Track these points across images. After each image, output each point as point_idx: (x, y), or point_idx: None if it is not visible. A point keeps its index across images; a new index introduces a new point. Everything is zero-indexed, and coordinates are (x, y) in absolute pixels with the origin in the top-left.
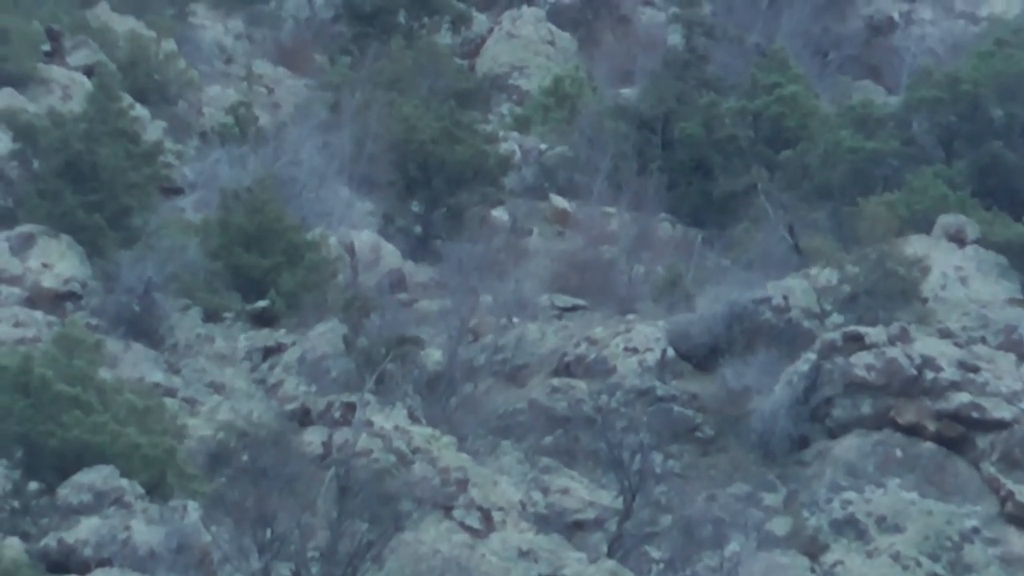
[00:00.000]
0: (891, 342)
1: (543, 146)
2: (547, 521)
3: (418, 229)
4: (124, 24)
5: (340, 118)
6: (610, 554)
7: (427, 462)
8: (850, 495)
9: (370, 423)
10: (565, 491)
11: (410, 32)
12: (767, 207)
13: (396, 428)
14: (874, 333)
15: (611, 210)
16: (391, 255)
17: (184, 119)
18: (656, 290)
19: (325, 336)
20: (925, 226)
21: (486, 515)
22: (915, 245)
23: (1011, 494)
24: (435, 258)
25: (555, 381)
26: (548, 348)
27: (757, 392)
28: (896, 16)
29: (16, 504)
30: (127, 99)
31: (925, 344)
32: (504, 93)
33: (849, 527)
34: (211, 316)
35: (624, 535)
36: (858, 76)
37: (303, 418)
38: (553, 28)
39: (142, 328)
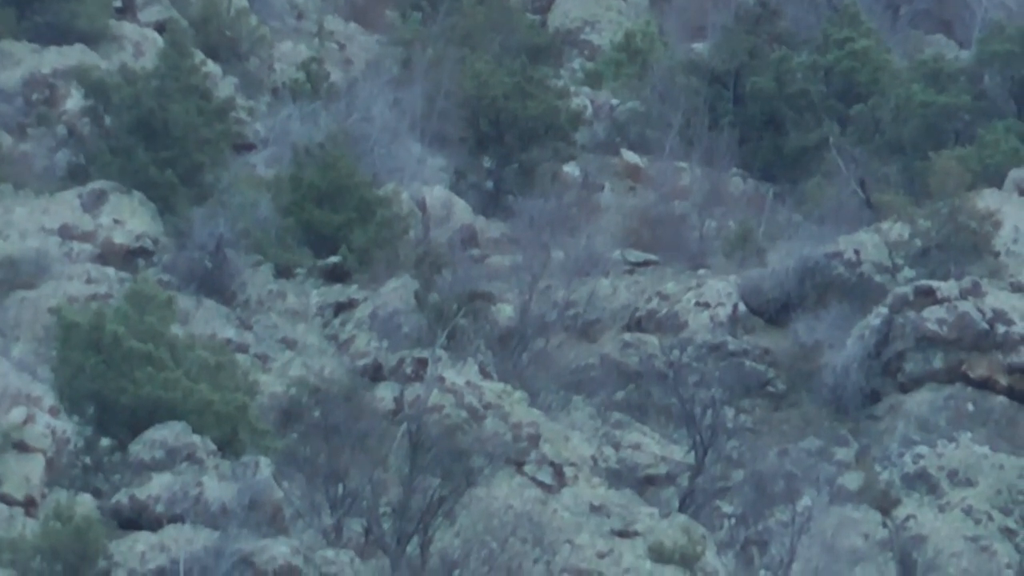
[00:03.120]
0: (963, 296)
1: (615, 101)
2: (619, 476)
3: (490, 185)
4: None
5: (412, 74)
6: (682, 509)
7: (499, 417)
8: (922, 449)
9: (442, 379)
10: (637, 446)
11: None
12: (839, 162)
13: (468, 384)
14: (946, 287)
15: (683, 165)
16: (463, 211)
17: (256, 75)
18: (728, 245)
19: (397, 292)
20: (997, 180)
21: (558, 470)
22: (987, 199)
23: None
24: (507, 214)
25: (627, 336)
26: (620, 303)
27: (829, 346)
28: None
29: (88, 460)
30: (199, 55)
31: (997, 298)
32: (575, 48)
33: (921, 481)
34: (283, 272)
35: (696, 490)
36: (930, 30)
37: (375, 374)
38: None
39: (214, 284)
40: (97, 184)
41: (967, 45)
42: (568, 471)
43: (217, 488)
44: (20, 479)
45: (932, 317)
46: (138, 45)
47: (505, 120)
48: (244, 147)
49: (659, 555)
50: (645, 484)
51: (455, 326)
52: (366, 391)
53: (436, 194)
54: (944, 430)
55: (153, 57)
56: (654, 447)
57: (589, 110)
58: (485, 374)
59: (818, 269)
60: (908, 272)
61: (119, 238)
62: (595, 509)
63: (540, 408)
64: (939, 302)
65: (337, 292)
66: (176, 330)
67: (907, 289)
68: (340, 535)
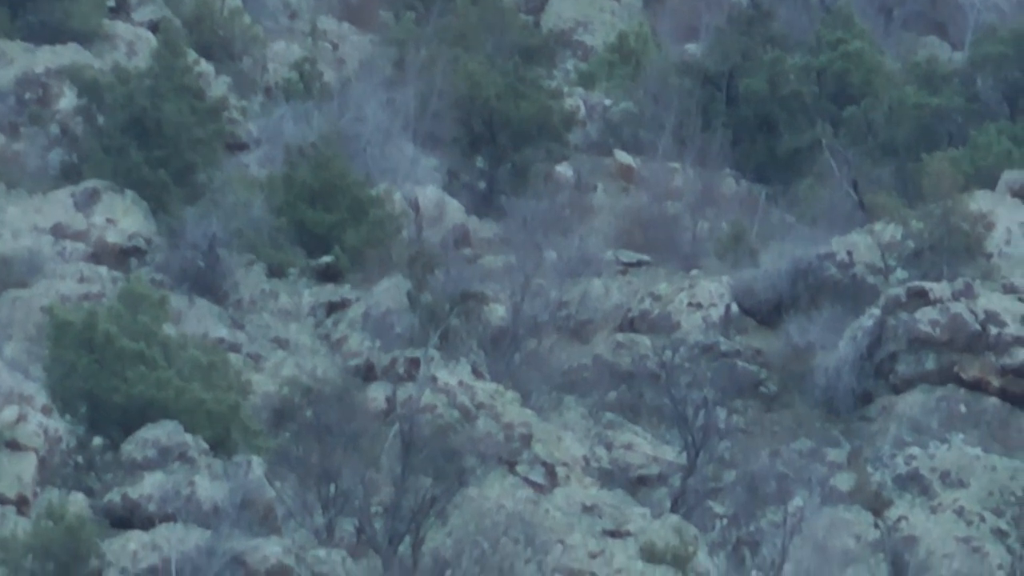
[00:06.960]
0: (955, 298)
1: (608, 102)
2: (611, 476)
3: (483, 185)
4: None
5: (405, 74)
6: (674, 509)
7: (491, 417)
8: (914, 451)
9: (434, 379)
10: (629, 447)
11: None
12: (832, 163)
13: (460, 384)
14: (938, 289)
15: (676, 166)
16: (455, 211)
17: (249, 75)
18: (720, 246)
19: (389, 292)
20: (989, 182)
21: (550, 470)
22: (979, 201)
23: None
24: (499, 214)
25: (619, 337)
26: (612, 304)
27: (821, 348)
28: None
29: (80, 459)
30: (192, 55)
31: (989, 299)
32: (569, 49)
33: (913, 483)
34: (275, 272)
35: (688, 491)
36: (923, 32)
37: (367, 374)
38: None
39: (206, 284)
40: (90, 183)
41: (960, 47)
42: (560, 471)
43: (209, 487)
44: (12, 478)
45: (924, 319)
46: (131, 44)
47: (498, 120)
48: (237, 147)
49: (651, 555)
50: (637, 484)
51: (448, 326)
52: (358, 391)
53: (429, 194)
54: (936, 431)
55: (146, 56)
56: (646, 447)
57: (582, 111)
58: (477, 374)
59: (811, 270)
60: (901, 274)
61: (112, 237)
62: (587, 509)
63: (532, 408)
64: (932, 304)
65: (330, 292)
66: (169, 329)
67: (900, 291)
68: (332, 535)
